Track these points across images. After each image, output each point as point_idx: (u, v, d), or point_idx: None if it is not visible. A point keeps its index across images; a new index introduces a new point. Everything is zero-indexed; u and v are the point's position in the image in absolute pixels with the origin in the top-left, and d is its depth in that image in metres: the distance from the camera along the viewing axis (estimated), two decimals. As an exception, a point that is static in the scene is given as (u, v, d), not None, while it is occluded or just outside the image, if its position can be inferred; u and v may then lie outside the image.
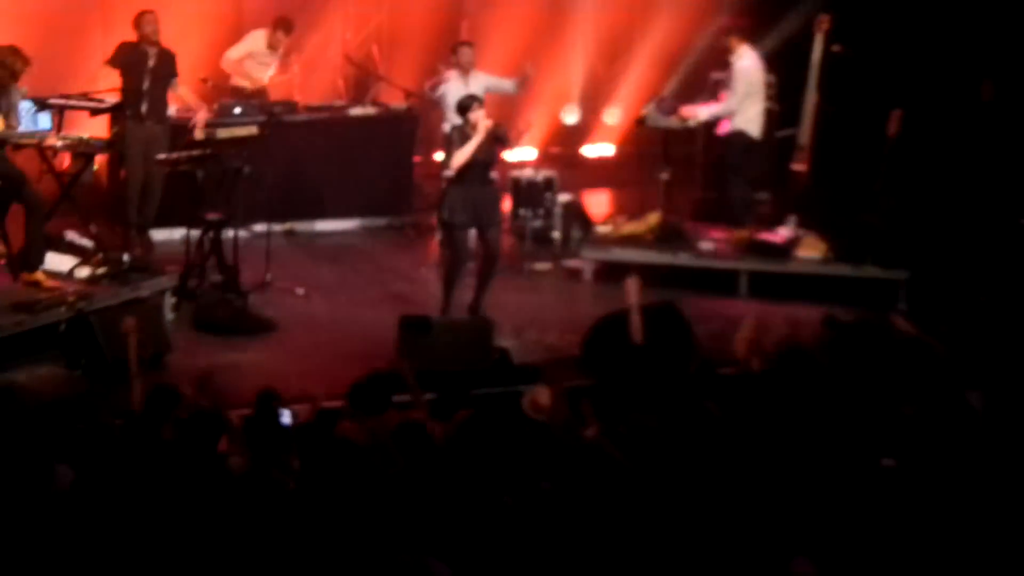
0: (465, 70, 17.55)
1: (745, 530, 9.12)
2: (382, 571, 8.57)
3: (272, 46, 18.23)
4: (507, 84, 17.97)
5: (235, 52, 18.15)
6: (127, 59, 16.10)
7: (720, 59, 17.35)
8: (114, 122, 16.55)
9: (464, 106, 15.22)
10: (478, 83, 17.41)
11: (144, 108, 15.89)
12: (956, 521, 9.19)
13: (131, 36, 16.37)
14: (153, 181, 16.33)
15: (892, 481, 9.98)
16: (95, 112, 16.62)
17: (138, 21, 16.20)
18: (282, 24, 18.26)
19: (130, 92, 16.07)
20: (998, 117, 16.45)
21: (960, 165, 16.76)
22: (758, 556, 8.86)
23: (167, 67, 16.20)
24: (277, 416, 10.63)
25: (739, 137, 17.22)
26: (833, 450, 10.31)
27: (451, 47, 18.44)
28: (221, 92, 17.80)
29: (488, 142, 15.08)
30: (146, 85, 15.88)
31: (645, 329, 12.79)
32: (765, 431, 10.55)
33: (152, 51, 16.06)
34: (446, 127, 16.83)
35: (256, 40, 18.29)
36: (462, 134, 15.16)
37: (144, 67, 15.97)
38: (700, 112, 17.49)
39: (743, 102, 17.15)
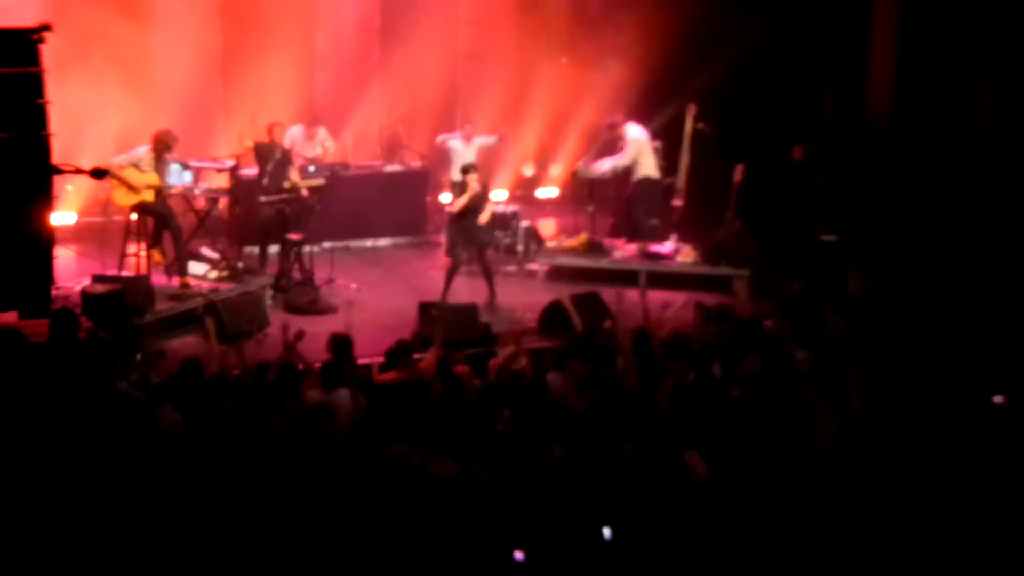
0: (468, 138, 17.63)
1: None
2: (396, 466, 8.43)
3: (308, 137, 17.87)
4: (491, 140, 18.02)
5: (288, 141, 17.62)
6: (262, 152, 15.99)
7: (616, 139, 17.38)
8: (232, 177, 16.57)
9: (465, 170, 15.46)
10: (475, 145, 17.56)
11: (266, 181, 15.80)
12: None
13: (260, 132, 16.33)
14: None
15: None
16: (220, 171, 16.67)
17: (272, 128, 16.02)
18: (310, 123, 18.03)
19: (262, 171, 15.92)
20: (804, 170, 16.51)
21: (780, 201, 16.81)
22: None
23: (286, 159, 16.05)
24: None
25: (643, 182, 17.24)
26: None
27: (461, 124, 18.49)
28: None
29: (477, 196, 15.30)
30: (270, 167, 15.78)
31: (577, 308, 12.89)
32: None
33: (278, 150, 15.94)
34: (454, 176, 17.00)
35: (295, 133, 17.66)
36: (462, 187, 15.39)
37: (271, 158, 15.85)
38: (602, 166, 17.51)
39: (641, 160, 17.15)
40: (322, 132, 18.05)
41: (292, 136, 17.77)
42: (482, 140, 17.88)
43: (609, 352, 11.26)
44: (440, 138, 18.06)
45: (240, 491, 8.11)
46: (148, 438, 9.12)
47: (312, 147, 17.89)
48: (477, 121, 19.49)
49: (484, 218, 15.40)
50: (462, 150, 17.48)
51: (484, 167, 16.84)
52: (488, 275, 15.42)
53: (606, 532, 7.77)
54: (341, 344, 10.95)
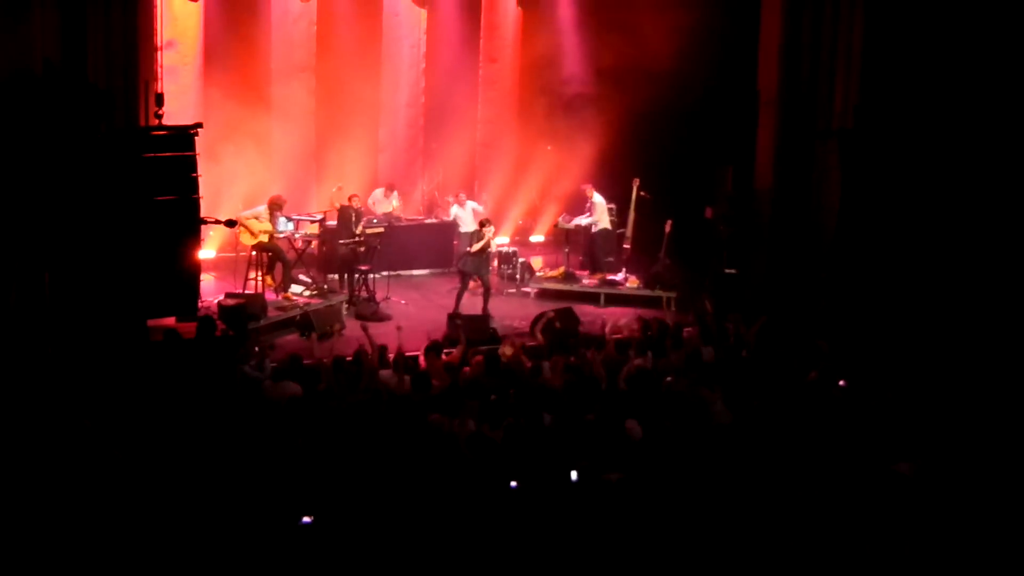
0: (462, 203, 17.66)
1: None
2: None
3: (386, 196, 18.00)
4: (479, 206, 18.08)
5: (369, 200, 17.91)
6: (345, 212, 16.00)
7: (585, 199, 17.43)
8: (321, 226, 16.64)
9: (483, 224, 15.41)
10: (469, 207, 17.69)
11: (344, 233, 15.84)
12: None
13: (343, 198, 16.39)
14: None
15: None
16: (313, 222, 16.73)
17: (352, 197, 16.09)
18: (388, 187, 18.15)
19: (342, 225, 15.96)
20: (712, 224, 16.49)
21: (697, 245, 16.73)
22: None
23: (358, 217, 16.04)
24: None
25: (601, 232, 17.32)
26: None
27: (479, 192, 18.73)
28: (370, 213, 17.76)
29: (489, 243, 15.26)
30: (346, 223, 15.87)
31: (556, 319, 12.93)
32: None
33: (355, 210, 15.99)
34: (463, 228, 17.22)
35: (377, 194, 18.08)
36: (478, 235, 15.38)
37: (351, 218, 15.89)
38: (580, 220, 17.58)
39: (600, 216, 17.29)
40: (395, 194, 18.13)
41: (375, 196, 17.92)
42: (473, 204, 17.95)
43: (577, 347, 11.36)
44: (453, 212, 18.02)
45: (328, 444, 8.09)
46: (268, 405, 9.12)
47: (388, 204, 17.91)
48: (489, 188, 19.61)
49: (477, 249, 15.24)
50: (460, 212, 17.57)
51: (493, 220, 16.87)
52: (486, 295, 15.23)
53: (573, 475, 7.76)
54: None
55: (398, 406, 8.97)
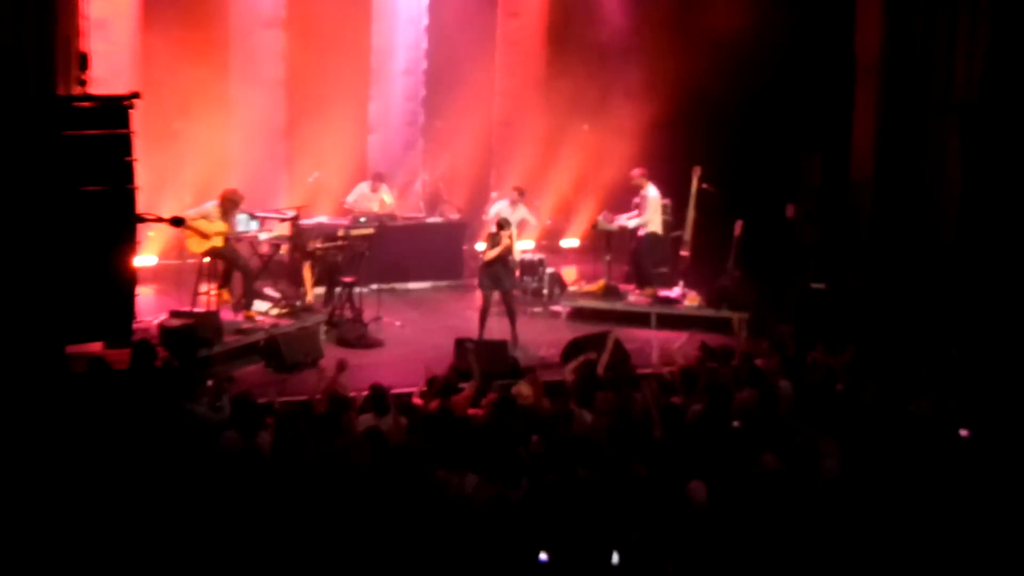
0: (515, 203, 17.59)
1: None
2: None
3: (373, 190, 18.10)
4: (533, 220, 18.14)
5: (350, 197, 18.01)
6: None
7: (635, 191, 17.37)
8: (292, 226, 16.60)
9: (501, 225, 15.36)
10: (520, 212, 17.59)
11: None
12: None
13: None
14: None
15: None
16: (282, 220, 16.70)
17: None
18: (375, 178, 18.25)
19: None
20: (795, 226, 16.49)
21: (775, 253, 16.74)
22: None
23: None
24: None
25: (649, 236, 17.29)
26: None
27: (495, 183, 18.60)
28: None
29: (508, 248, 15.20)
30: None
31: (596, 359, 12.79)
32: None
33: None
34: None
35: (362, 188, 18.14)
36: (495, 239, 15.33)
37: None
38: (627, 220, 17.54)
39: (652, 215, 17.24)
40: (383, 188, 18.14)
41: (359, 191, 17.95)
42: (526, 214, 17.87)
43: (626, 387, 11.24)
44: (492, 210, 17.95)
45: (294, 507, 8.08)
46: (225, 456, 9.12)
47: (374, 201, 17.96)
48: (507, 179, 19.59)
49: (493, 256, 15.25)
50: (505, 211, 17.47)
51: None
52: (511, 316, 15.27)
53: (615, 557, 7.66)
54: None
55: (392, 459, 8.87)
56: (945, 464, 9.40)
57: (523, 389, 11.10)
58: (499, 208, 17.57)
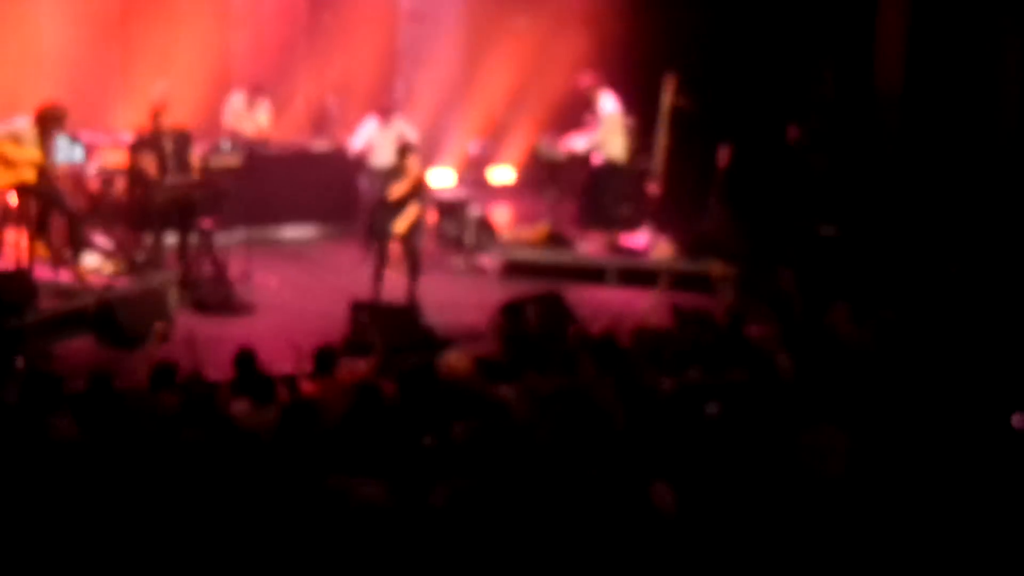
0: (387, 121, 17.66)
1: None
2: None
3: (250, 106, 18.18)
4: (414, 134, 18.09)
5: (227, 116, 18.12)
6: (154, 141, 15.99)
7: (586, 104, 17.45)
8: (132, 152, 16.54)
9: (403, 151, 15.42)
10: (397, 129, 17.70)
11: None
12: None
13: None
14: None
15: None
16: (118, 146, 16.63)
17: (156, 112, 15.97)
18: (253, 90, 18.35)
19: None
20: (800, 153, 16.66)
21: (772, 188, 16.93)
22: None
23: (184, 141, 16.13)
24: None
25: (609, 165, 17.40)
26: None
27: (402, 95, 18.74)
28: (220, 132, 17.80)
29: (418, 180, 15.31)
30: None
31: (536, 311, 12.98)
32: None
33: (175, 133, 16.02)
34: (374, 162, 17.24)
35: (235, 102, 18.25)
36: (397, 171, 15.38)
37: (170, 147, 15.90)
38: (575, 142, 17.68)
39: (609, 139, 17.35)
40: (264, 105, 18.35)
41: (232, 104, 18.05)
42: (403, 126, 18.04)
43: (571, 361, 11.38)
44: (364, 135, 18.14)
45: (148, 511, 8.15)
46: (39, 450, 9.15)
47: (252, 118, 18.15)
48: (420, 91, 19.63)
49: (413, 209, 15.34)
50: (377, 135, 17.62)
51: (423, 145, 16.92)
52: (412, 271, 15.40)
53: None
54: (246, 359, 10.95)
55: (264, 459, 8.94)
56: (991, 462, 9.61)
57: (454, 362, 11.15)
58: (368, 134, 17.69)
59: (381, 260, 15.32)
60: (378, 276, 15.24)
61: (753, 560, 8.05)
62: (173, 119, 16.16)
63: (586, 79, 17.52)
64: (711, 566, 7.99)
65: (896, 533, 8.44)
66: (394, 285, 15.31)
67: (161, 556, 7.82)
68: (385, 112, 17.79)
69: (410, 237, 15.39)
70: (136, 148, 15.98)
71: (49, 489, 8.37)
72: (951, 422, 10.33)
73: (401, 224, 15.31)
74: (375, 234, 15.40)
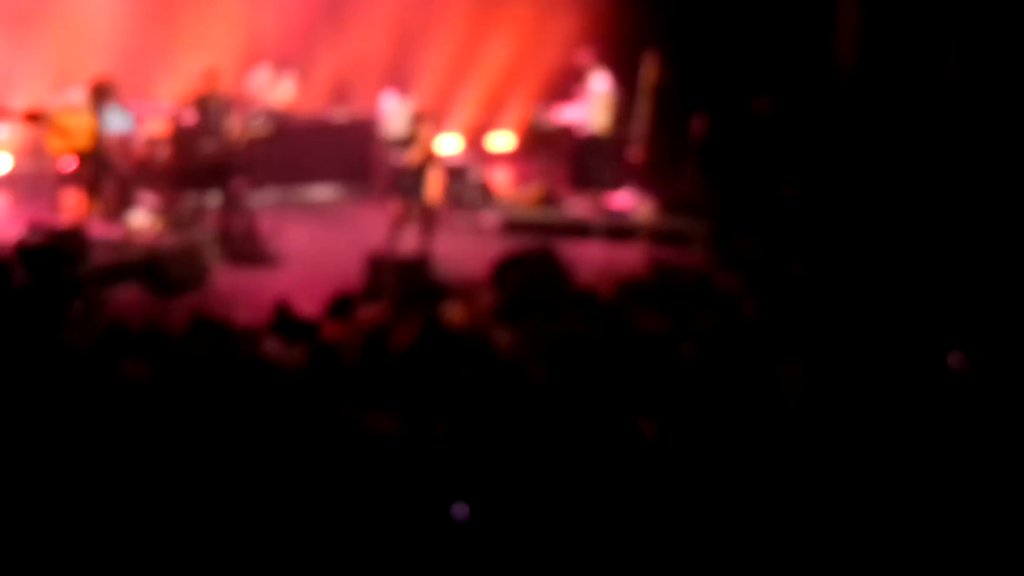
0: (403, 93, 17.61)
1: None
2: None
3: (276, 78, 18.08)
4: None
5: (252, 83, 18.06)
6: (203, 105, 16.13)
7: (579, 77, 17.47)
8: (175, 122, 16.54)
9: (417, 118, 15.45)
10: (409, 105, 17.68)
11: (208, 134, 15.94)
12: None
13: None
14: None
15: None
16: (162, 117, 16.65)
17: (212, 77, 16.33)
18: (279, 64, 18.23)
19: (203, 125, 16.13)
20: (765, 122, 16.68)
21: (741, 154, 16.94)
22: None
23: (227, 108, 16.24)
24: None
25: (600, 133, 17.45)
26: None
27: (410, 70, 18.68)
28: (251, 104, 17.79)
29: (429, 147, 15.35)
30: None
31: (529, 267, 13.02)
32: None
33: (223, 100, 16.23)
34: (389, 134, 17.12)
35: (262, 75, 18.16)
36: (410, 139, 15.40)
37: (216, 112, 16.06)
38: (568, 112, 17.70)
39: (597, 108, 17.36)
40: (288, 79, 18.27)
41: (259, 78, 18.02)
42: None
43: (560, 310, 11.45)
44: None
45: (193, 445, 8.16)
46: (99, 387, 9.21)
47: (278, 90, 18.09)
48: (427, 66, 19.61)
49: (435, 175, 15.40)
50: (396, 108, 17.60)
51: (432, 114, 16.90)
52: (428, 229, 15.39)
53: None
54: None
55: (289, 391, 9.02)
56: (928, 397, 9.67)
57: (455, 311, 11.23)
58: (392, 107, 17.62)
59: (402, 218, 15.36)
60: (395, 232, 15.25)
61: (726, 479, 8.21)
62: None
63: (584, 57, 17.50)
64: (690, 486, 8.09)
65: (847, 455, 8.62)
66: (408, 240, 15.34)
67: (202, 476, 7.84)
68: (402, 87, 17.75)
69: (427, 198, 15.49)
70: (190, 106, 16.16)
71: (117, 422, 8.38)
72: (895, 360, 10.49)
73: (432, 190, 15.40)
74: (403, 196, 15.41)
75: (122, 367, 9.39)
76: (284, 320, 10.65)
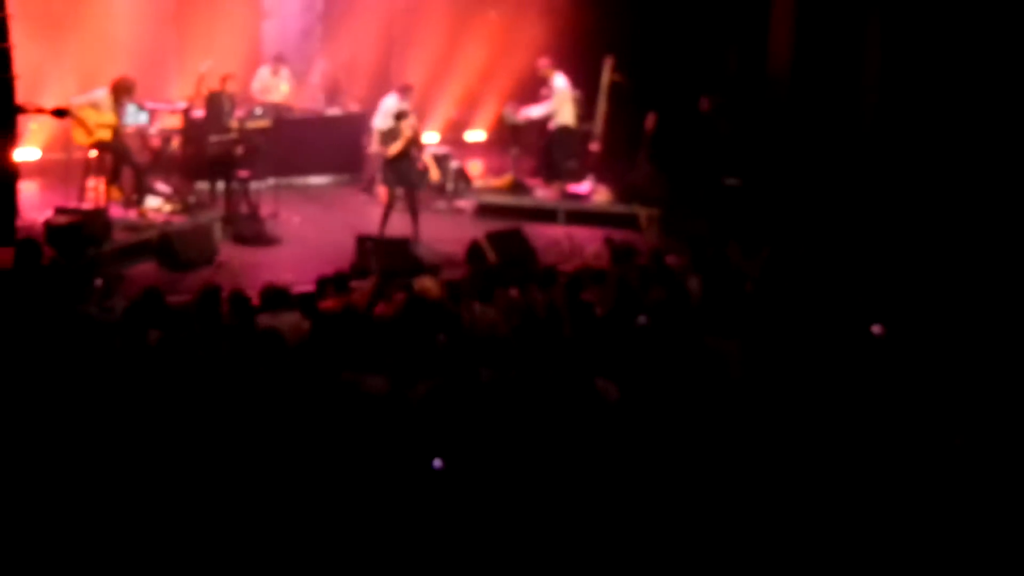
0: (403, 97, 17.46)
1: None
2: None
3: (274, 73, 18.12)
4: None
5: (255, 85, 18.05)
6: (213, 101, 16.15)
7: (543, 82, 17.52)
8: (184, 117, 16.58)
9: (398, 116, 15.47)
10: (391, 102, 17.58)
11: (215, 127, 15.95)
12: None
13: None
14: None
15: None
16: (173, 112, 16.66)
17: (224, 78, 16.31)
18: (276, 60, 18.35)
19: (212, 119, 16.14)
20: (710, 119, 16.75)
21: (688, 147, 16.88)
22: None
23: (234, 104, 16.27)
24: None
25: (560, 130, 17.47)
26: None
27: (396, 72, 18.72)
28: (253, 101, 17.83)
29: (410, 140, 15.36)
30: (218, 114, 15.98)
31: (500, 244, 13.08)
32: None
33: (229, 96, 16.26)
34: (378, 124, 17.02)
35: (263, 73, 18.21)
36: (394, 133, 15.43)
37: (223, 108, 16.07)
38: (532, 111, 17.75)
39: (561, 107, 17.40)
40: (284, 72, 18.26)
41: (260, 76, 18.05)
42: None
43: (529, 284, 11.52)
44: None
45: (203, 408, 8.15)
46: (120, 355, 9.19)
47: (278, 86, 18.08)
48: (410, 69, 19.58)
49: (422, 163, 15.43)
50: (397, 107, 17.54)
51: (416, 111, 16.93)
52: (414, 214, 15.41)
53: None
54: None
55: (293, 357, 9.05)
56: (852, 362, 9.76)
57: (428, 284, 11.27)
58: (388, 106, 17.48)
59: (390, 204, 15.38)
60: (387, 215, 15.28)
61: (675, 437, 8.27)
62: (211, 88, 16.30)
63: (543, 62, 17.52)
64: (645, 442, 8.16)
65: (780, 420, 8.66)
66: (394, 222, 15.36)
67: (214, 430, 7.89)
68: (403, 90, 17.62)
69: (414, 187, 15.52)
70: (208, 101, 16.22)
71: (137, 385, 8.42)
72: (823, 331, 10.56)
73: (433, 174, 15.49)
74: (404, 184, 15.42)
75: (149, 335, 9.48)
76: (271, 296, 10.59)
